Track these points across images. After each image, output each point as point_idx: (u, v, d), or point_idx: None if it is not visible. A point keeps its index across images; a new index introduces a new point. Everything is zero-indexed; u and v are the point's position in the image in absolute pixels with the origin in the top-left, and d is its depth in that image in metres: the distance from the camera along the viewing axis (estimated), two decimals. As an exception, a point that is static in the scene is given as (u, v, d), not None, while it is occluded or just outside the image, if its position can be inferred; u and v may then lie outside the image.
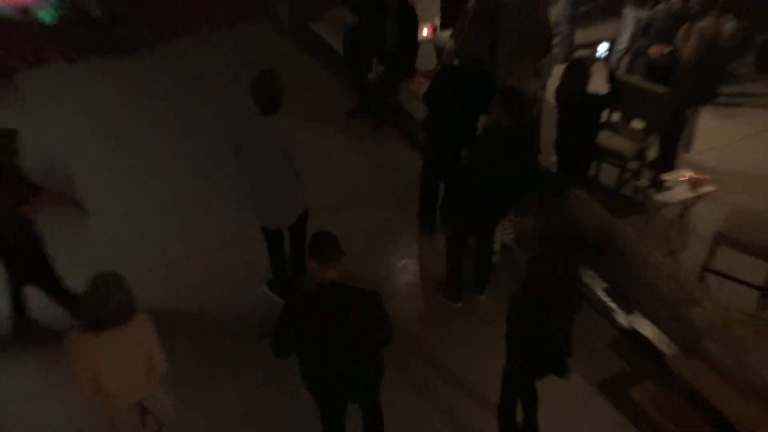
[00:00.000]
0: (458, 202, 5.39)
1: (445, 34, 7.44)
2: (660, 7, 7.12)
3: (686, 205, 6.15)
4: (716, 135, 7.56)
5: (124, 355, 3.63)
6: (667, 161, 6.90)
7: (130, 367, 3.68)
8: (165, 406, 3.96)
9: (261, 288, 5.67)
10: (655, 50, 6.85)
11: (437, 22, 8.06)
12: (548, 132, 6.09)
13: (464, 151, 5.65)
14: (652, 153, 6.99)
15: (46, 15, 8.75)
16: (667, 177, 6.09)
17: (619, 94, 6.07)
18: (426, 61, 7.75)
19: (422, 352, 5.27)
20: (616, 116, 7.00)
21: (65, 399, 4.78)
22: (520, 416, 4.54)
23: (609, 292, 5.57)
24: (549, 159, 6.24)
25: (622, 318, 5.47)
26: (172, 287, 5.75)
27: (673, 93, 6.58)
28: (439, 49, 7.61)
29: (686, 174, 6.13)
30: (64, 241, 5.49)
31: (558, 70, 6.25)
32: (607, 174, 6.79)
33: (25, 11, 8.71)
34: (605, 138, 6.49)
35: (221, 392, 4.98)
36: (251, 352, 5.12)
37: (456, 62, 5.68)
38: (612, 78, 6.07)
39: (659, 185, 5.99)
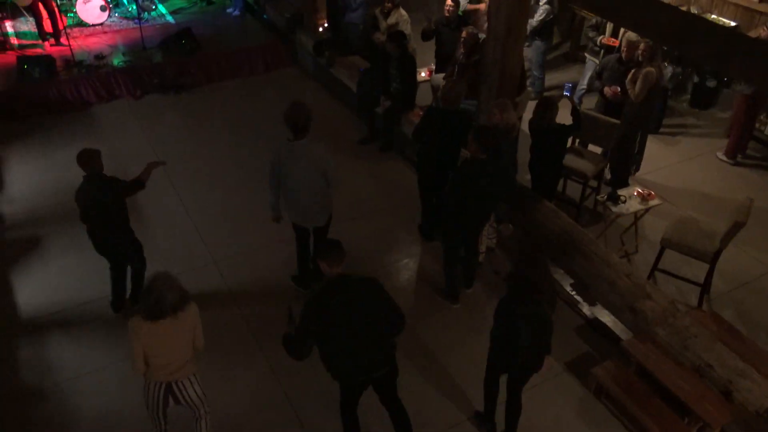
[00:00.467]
0: (446, 217, 5.24)
1: (439, 77, 7.33)
2: (610, 56, 7.02)
3: (637, 216, 5.98)
4: (661, 158, 7.40)
5: (172, 339, 3.53)
6: (621, 179, 6.74)
7: (175, 349, 3.56)
8: (190, 394, 3.73)
9: (288, 281, 5.52)
10: (609, 90, 6.72)
11: (433, 67, 7.95)
12: (523, 155, 5.95)
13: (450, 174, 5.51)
14: (608, 172, 6.84)
15: (117, 60, 8.68)
16: (622, 192, 5.91)
17: (581, 125, 5.91)
18: (423, 98, 7.63)
19: (417, 334, 5.09)
20: (578, 143, 6.86)
21: (122, 374, 4.65)
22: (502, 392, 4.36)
23: (575, 287, 5.39)
24: (524, 177, 6.09)
25: (586, 308, 5.29)
26: (219, 277, 5.65)
27: (624, 124, 6.45)
28: (434, 89, 7.49)
29: (637, 190, 5.95)
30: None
31: (531, 106, 6.11)
32: (572, 190, 6.62)
33: (100, 57, 8.65)
34: (570, 160, 6.32)
35: (250, 363, 4.83)
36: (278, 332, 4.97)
37: (442, 103, 5.61)
38: (575, 112, 5.91)
39: (615, 199, 5.81)
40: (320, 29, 8.91)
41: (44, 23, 8.94)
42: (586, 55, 8.30)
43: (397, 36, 6.80)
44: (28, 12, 9.19)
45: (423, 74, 7.82)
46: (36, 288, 5.50)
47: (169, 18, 10.05)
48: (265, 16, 10.13)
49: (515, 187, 5.48)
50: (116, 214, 4.72)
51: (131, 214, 4.90)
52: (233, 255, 5.90)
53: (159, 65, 8.63)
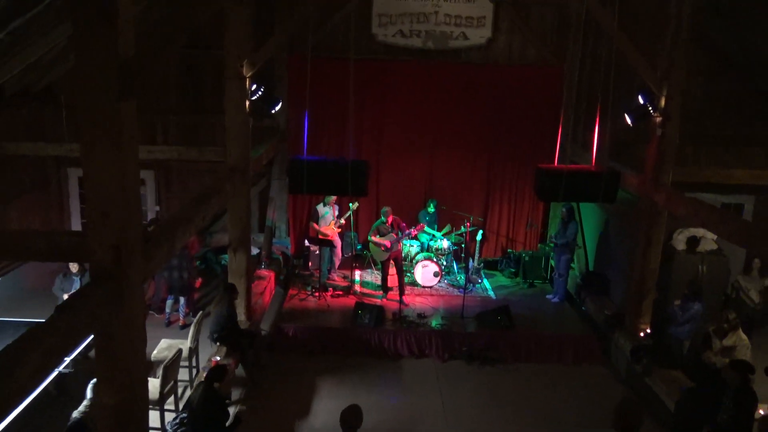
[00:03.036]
0: None
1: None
2: None
3: None
4: None
5: None
6: None
7: None
8: None
9: None
10: None
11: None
12: None
13: None
14: None
15: (435, 322, 9.53)
16: None
17: None
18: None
19: None
20: None
21: None
22: None
23: None
24: None
25: None
26: None
27: None
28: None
29: None
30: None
31: None
32: None
33: (422, 316, 9.61)
34: None
35: None
36: None
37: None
38: None
39: None
40: (641, 334, 8.59)
41: (388, 279, 10.43)
42: None
43: (743, 366, 6.15)
44: (378, 266, 10.93)
45: (761, 412, 6.76)
46: None
47: (491, 293, 10.88)
48: (583, 308, 10.27)
49: None
50: None
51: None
52: None
53: (471, 334, 9.21)
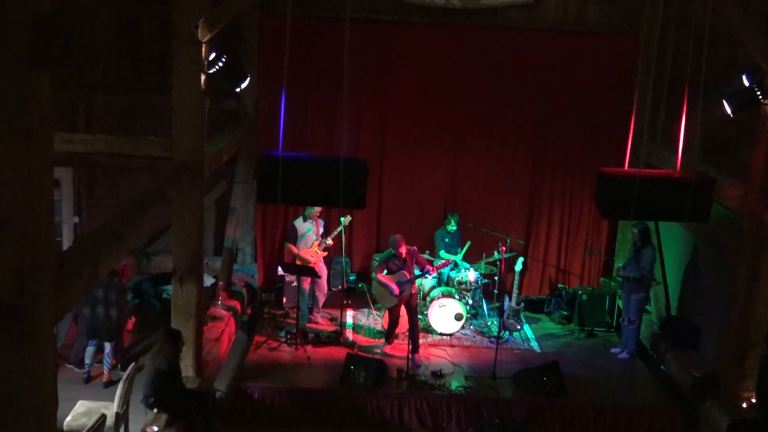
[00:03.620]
0: None
1: None
2: None
3: None
4: None
5: None
6: None
7: None
8: None
9: None
10: None
11: None
12: None
13: None
14: None
15: (456, 383, 9.49)
16: None
17: None
18: None
19: None
20: None
21: None
22: None
23: None
24: None
25: None
26: None
27: None
28: None
29: None
30: None
31: None
32: None
33: (438, 374, 9.57)
34: None
35: None
36: None
37: None
38: None
39: None
40: (744, 404, 8.57)
41: (399, 321, 10.36)
42: None
43: None
44: (378, 305, 10.90)
45: None
46: None
47: (534, 345, 10.87)
48: (662, 367, 10.25)
49: None
50: None
51: None
52: None
53: (506, 402, 9.16)
